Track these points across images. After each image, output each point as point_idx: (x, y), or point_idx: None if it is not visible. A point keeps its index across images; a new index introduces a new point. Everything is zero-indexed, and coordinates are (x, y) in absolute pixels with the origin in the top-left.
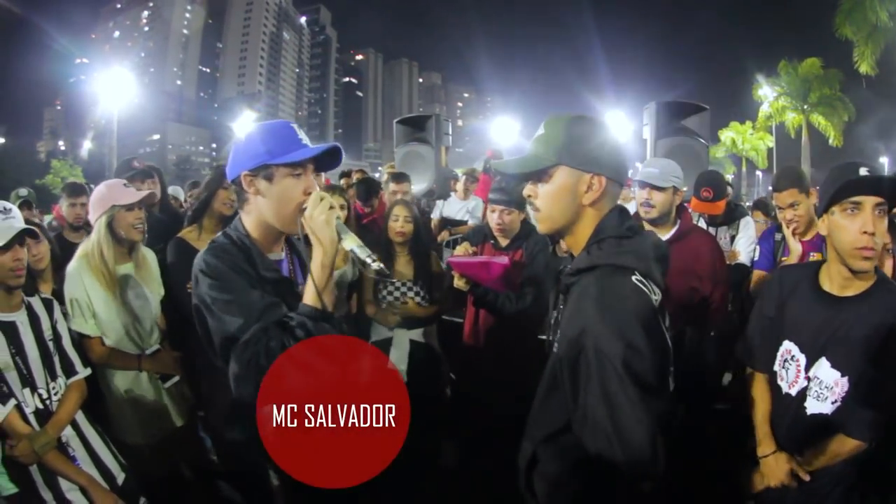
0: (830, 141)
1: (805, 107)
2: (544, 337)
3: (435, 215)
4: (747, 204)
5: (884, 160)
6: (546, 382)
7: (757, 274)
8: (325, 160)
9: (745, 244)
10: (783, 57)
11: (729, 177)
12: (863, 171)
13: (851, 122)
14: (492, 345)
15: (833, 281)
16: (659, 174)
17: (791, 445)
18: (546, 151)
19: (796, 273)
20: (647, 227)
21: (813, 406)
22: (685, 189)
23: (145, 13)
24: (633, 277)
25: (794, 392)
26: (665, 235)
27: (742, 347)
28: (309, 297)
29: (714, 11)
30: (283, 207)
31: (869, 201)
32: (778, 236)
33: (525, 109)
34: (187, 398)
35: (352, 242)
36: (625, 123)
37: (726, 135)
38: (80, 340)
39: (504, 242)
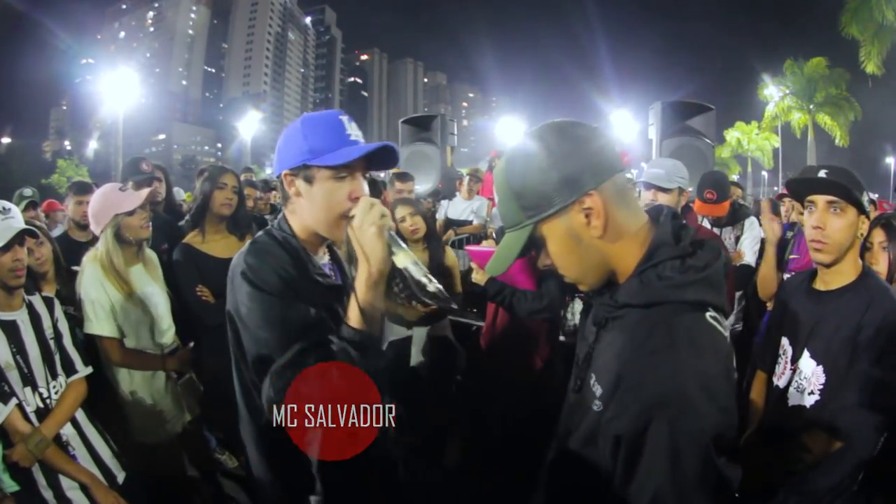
0: (836, 141)
1: (811, 106)
2: (563, 339)
3: (440, 215)
4: (759, 198)
5: (890, 160)
6: (580, 441)
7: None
8: (379, 159)
9: (749, 244)
10: (789, 56)
11: (734, 177)
12: (821, 174)
13: (857, 122)
14: (507, 345)
15: (819, 278)
16: (664, 175)
17: (775, 437)
18: (517, 217)
19: (798, 279)
20: None
21: (794, 397)
22: (690, 189)
23: (150, 14)
24: (709, 315)
25: (781, 384)
26: None
27: (755, 350)
28: (353, 318)
29: (719, 11)
30: (326, 213)
31: (820, 199)
32: (788, 234)
33: (530, 109)
34: (198, 392)
35: (406, 259)
36: (630, 123)
37: (732, 135)
38: (102, 343)
39: None
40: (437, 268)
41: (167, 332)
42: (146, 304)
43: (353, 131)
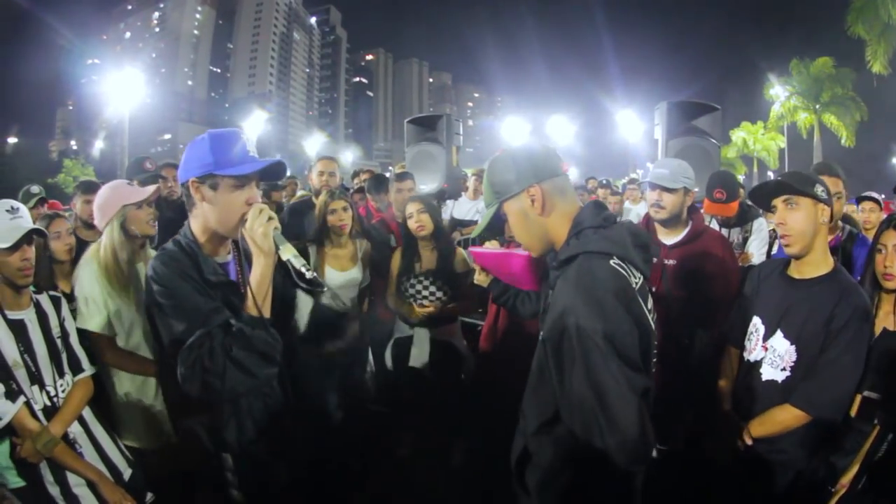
0: (843, 141)
1: (817, 106)
2: None
3: (445, 216)
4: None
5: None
6: (535, 373)
7: None
8: (272, 170)
9: (757, 245)
10: (795, 56)
11: (740, 177)
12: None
13: (864, 122)
14: (508, 345)
15: (793, 267)
16: (669, 175)
17: (745, 408)
18: (490, 198)
19: (773, 264)
20: (659, 228)
21: (767, 373)
22: (696, 190)
23: (156, 14)
24: (611, 261)
25: (752, 359)
26: (677, 237)
27: (725, 327)
28: (248, 303)
29: (725, 11)
30: (227, 216)
31: (777, 200)
32: None
33: (535, 109)
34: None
35: (288, 253)
36: (636, 123)
37: (738, 135)
38: (93, 340)
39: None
40: (445, 269)
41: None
42: (142, 306)
43: (252, 148)
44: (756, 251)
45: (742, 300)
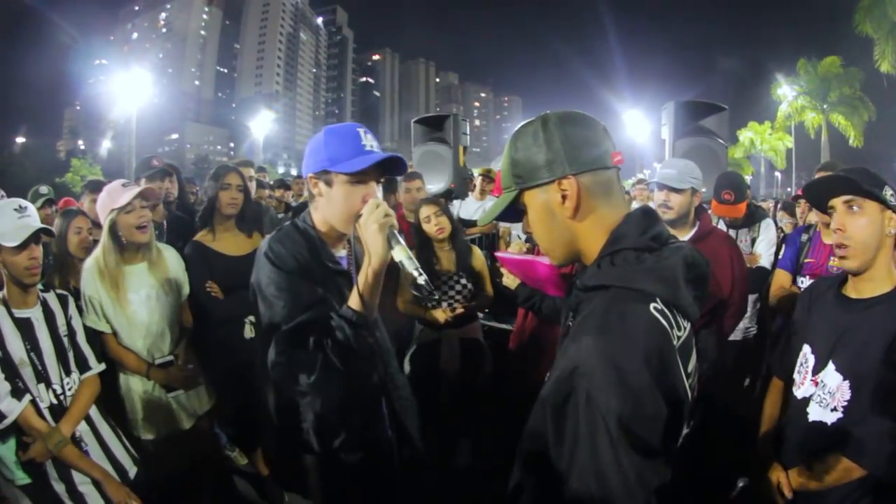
0: (851, 141)
1: (825, 106)
2: None
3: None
4: (767, 202)
5: None
6: (534, 415)
7: (778, 273)
8: (390, 167)
9: (765, 247)
10: (802, 55)
11: (748, 178)
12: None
13: (872, 122)
14: (536, 348)
15: (850, 284)
16: (676, 175)
17: (792, 454)
18: (507, 181)
19: (828, 281)
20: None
21: (815, 412)
22: (703, 190)
23: (163, 15)
24: (652, 306)
25: (800, 395)
26: (684, 237)
27: (773, 356)
28: (353, 300)
29: (732, 11)
30: (342, 212)
31: (837, 201)
32: (804, 237)
33: (542, 108)
34: (195, 410)
35: (401, 254)
36: (643, 123)
37: (745, 135)
38: (96, 336)
39: None
40: (465, 268)
41: (160, 341)
42: (136, 308)
43: (369, 142)
44: (764, 252)
45: (792, 325)
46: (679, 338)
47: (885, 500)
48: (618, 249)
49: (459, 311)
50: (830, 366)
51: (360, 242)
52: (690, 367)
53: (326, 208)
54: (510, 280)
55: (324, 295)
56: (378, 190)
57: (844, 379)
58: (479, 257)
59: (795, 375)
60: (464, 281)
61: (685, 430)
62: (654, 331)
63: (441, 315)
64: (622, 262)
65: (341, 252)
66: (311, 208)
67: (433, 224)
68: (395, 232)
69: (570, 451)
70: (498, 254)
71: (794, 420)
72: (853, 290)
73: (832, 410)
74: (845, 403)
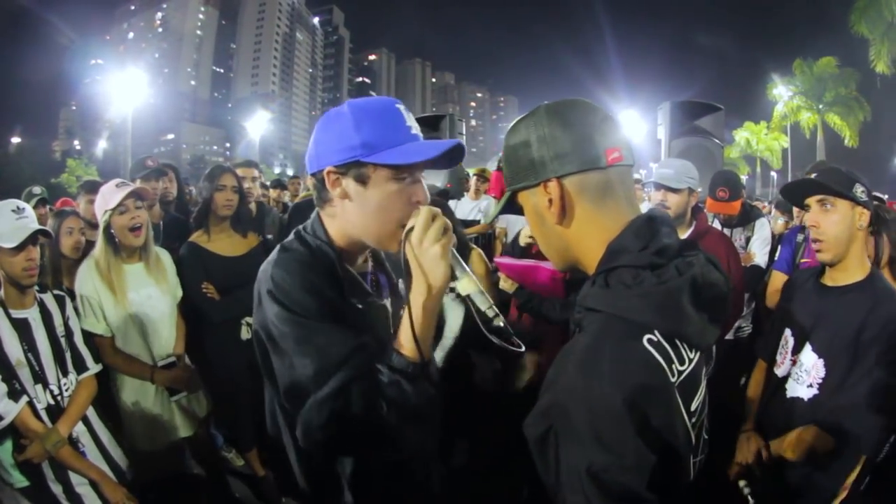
0: (846, 141)
1: (820, 106)
2: None
3: None
4: (763, 203)
5: None
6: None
7: (775, 275)
8: (449, 157)
9: (760, 246)
10: (798, 56)
11: (743, 177)
12: (811, 176)
13: (867, 122)
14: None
15: (827, 274)
16: (673, 175)
17: (769, 425)
18: (505, 180)
19: (808, 272)
20: None
21: (792, 388)
22: (700, 190)
23: (159, 15)
24: (646, 338)
25: (780, 373)
26: (680, 237)
27: (758, 341)
28: (406, 346)
29: (728, 11)
30: (379, 220)
31: (812, 200)
32: (800, 237)
33: None
34: (195, 414)
35: (470, 286)
36: (639, 123)
37: (741, 135)
38: (93, 341)
39: None
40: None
41: (163, 341)
42: (138, 308)
43: (413, 123)
44: (758, 251)
45: (776, 312)
46: (681, 372)
47: (864, 473)
48: (613, 267)
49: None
50: (808, 346)
51: (409, 265)
52: (695, 403)
53: (355, 215)
54: (508, 285)
55: (360, 340)
56: (427, 191)
57: (819, 358)
58: (477, 255)
59: (777, 357)
60: (501, 316)
61: (693, 465)
62: (645, 370)
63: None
64: (616, 284)
65: (364, 268)
66: (323, 215)
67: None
68: (457, 254)
69: (555, 480)
70: (497, 259)
71: (774, 397)
72: (829, 279)
73: (808, 387)
74: (820, 380)
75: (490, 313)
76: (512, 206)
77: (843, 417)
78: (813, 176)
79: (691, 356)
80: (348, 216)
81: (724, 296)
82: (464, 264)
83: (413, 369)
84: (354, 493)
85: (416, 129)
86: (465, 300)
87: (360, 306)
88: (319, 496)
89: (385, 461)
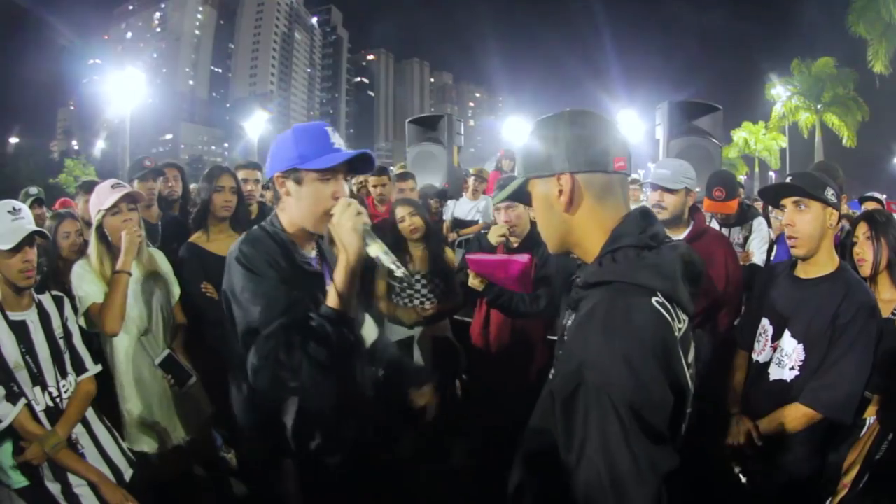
0: (844, 141)
1: (818, 106)
2: (555, 338)
3: (447, 216)
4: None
5: None
6: (539, 413)
7: None
8: (360, 164)
9: (758, 245)
10: (796, 56)
11: (742, 177)
12: (787, 180)
13: (865, 122)
14: (501, 345)
15: (799, 267)
16: (670, 175)
17: (754, 408)
18: (519, 168)
19: (781, 266)
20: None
21: (775, 372)
22: (697, 190)
23: (157, 14)
24: (654, 300)
25: (761, 360)
26: (678, 237)
27: (735, 331)
28: (331, 299)
29: (726, 10)
30: (312, 210)
31: (787, 201)
32: None
33: (537, 109)
34: (196, 415)
35: (377, 250)
36: (637, 123)
37: (739, 135)
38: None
39: (515, 243)
40: (437, 268)
41: (158, 332)
42: (133, 303)
43: (337, 140)
44: (756, 250)
45: (751, 303)
46: (680, 330)
47: (833, 439)
48: (619, 247)
49: (430, 311)
50: (787, 333)
51: (333, 242)
52: (690, 357)
53: (296, 208)
54: (476, 282)
55: (299, 296)
56: (346, 187)
57: (799, 343)
58: (450, 257)
59: (755, 345)
60: (435, 281)
61: (685, 423)
62: (658, 322)
63: (414, 315)
64: (623, 259)
65: (311, 253)
66: (277, 210)
67: (407, 224)
68: (369, 229)
69: (580, 443)
70: (468, 256)
71: (757, 381)
72: (803, 272)
73: (790, 370)
74: (801, 363)
75: (393, 267)
76: (517, 194)
77: (825, 393)
78: (788, 179)
79: (684, 318)
80: (292, 209)
81: (702, 274)
82: (374, 235)
83: (335, 315)
84: (297, 434)
85: (338, 143)
86: (375, 260)
87: (303, 270)
88: (265, 443)
89: (320, 409)
